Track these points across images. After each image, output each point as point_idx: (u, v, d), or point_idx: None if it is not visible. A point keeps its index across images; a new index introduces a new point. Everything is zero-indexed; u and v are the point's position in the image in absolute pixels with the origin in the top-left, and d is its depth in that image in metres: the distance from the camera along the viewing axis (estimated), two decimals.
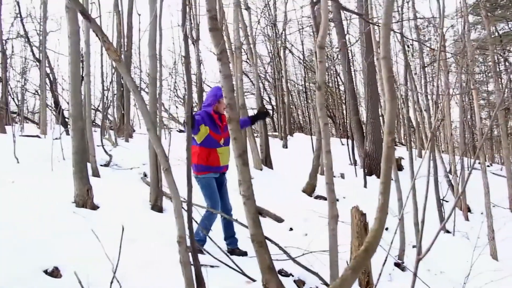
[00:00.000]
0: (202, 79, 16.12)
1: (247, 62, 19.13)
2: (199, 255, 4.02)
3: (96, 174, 7.18)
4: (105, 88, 12.61)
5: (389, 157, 2.55)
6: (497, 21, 18.85)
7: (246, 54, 15.56)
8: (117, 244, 2.96)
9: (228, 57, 4.07)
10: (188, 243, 3.34)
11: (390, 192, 2.59)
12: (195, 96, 17.36)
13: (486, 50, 16.93)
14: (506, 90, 20.14)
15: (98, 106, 16.07)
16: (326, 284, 4.30)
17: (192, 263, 3.35)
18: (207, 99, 5.21)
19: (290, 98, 23.75)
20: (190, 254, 3.31)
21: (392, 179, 6.75)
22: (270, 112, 5.61)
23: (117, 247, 2.95)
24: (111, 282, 2.89)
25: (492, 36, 17.00)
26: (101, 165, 8.11)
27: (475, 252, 7.86)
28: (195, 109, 10.75)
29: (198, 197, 5.08)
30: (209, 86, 23.43)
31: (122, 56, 12.99)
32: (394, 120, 2.63)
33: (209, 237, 4.71)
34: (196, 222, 4.74)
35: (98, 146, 8.51)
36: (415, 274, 2.40)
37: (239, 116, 4.05)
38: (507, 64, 20.20)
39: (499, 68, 19.90)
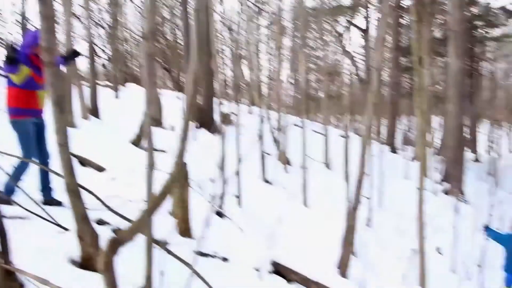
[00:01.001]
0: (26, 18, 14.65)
1: (81, 6, 17.77)
2: (8, 207, 3.82)
3: None
4: None
5: (192, 103, 2.68)
6: None
7: None
8: None
9: None
10: None
11: (188, 139, 2.73)
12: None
13: (319, 19, 18.19)
14: (331, 57, 21.99)
15: None
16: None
17: None
18: (26, 40, 4.85)
19: (126, 47, 22.83)
20: None
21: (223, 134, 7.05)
22: (82, 52, 5.39)
23: None
24: None
25: (325, 6, 18.31)
26: None
27: (289, 200, 8.71)
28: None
29: (12, 145, 4.75)
30: (35, 26, 21.38)
31: None
32: (197, 72, 2.74)
33: (19, 187, 4.45)
34: (6, 173, 4.46)
35: None
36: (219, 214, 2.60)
37: (57, 61, 3.81)
38: (335, 33, 22.03)
39: (329, 37, 21.61)
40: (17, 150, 4.79)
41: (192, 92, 2.59)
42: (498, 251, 6.83)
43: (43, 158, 4.94)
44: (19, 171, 4.66)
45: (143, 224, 2.39)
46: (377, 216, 9.03)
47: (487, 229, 6.84)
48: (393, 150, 19.01)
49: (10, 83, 4.64)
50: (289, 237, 6.63)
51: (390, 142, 19.71)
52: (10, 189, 4.56)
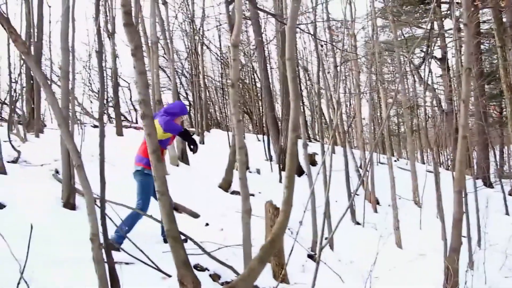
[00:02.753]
0: (118, 73, 15.68)
1: (164, 57, 18.84)
2: (115, 253, 3.97)
3: (2, 171, 6.79)
4: (13, 81, 11.89)
5: (293, 153, 2.70)
6: (402, 25, 20.05)
7: (163, 49, 15.33)
8: (26, 244, 2.86)
9: (143, 52, 4.05)
10: (102, 240, 3.30)
11: (294, 186, 2.73)
12: (110, 90, 16.82)
13: (393, 52, 17.98)
14: (411, 90, 21.45)
15: (5, 99, 15.07)
16: None
17: (105, 260, 3.32)
18: (174, 108, 5.26)
19: (207, 94, 23.72)
20: (103, 251, 3.27)
21: (306, 174, 7.02)
22: (196, 149, 5.71)
23: (26, 247, 2.85)
24: (18, 283, 2.80)
25: (398, 39, 18.07)
26: (8, 162, 7.66)
27: (382, 242, 8.35)
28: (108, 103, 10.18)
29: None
30: (125, 80, 22.86)
31: (32, 47, 12.33)
32: (298, 118, 2.78)
33: (127, 236, 4.62)
34: (110, 219, 4.68)
35: (5, 141, 8.03)
36: (317, 262, 2.56)
37: (152, 112, 4.01)
38: (411, 65, 21.57)
39: (405, 69, 21.16)
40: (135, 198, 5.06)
41: (293, 141, 2.61)
42: None
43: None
44: (133, 219, 4.91)
45: (256, 273, 2.41)
46: (479, 257, 8.43)
47: None
48: (488, 184, 17.88)
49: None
50: (385, 280, 6.37)
51: (484, 176, 18.55)
52: (121, 235, 4.74)
